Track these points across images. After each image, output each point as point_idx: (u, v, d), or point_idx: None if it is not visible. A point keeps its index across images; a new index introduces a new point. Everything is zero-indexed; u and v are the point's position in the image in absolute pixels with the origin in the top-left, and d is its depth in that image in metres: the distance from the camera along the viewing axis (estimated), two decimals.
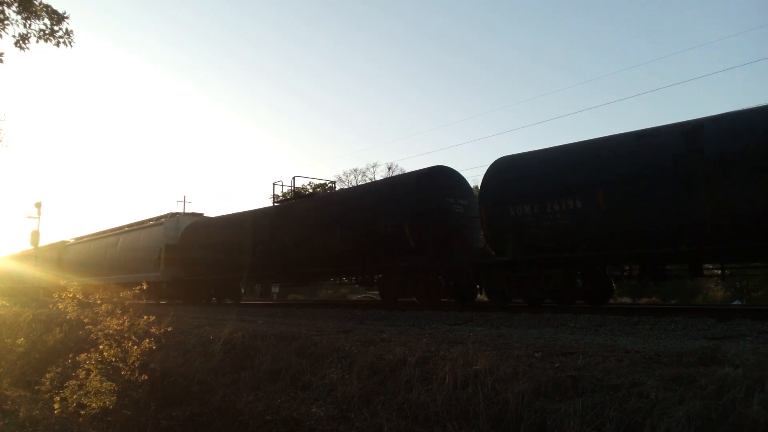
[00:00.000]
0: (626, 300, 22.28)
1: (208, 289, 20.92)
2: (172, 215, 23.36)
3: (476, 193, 13.12)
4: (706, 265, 10.24)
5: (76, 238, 32.28)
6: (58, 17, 8.77)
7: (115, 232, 27.47)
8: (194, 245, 20.51)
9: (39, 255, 31.85)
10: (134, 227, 25.55)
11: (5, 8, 8.64)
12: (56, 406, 6.90)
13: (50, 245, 33.52)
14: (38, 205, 32.03)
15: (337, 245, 14.19)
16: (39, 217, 31.70)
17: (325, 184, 18.15)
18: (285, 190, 18.04)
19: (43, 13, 8.68)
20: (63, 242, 32.81)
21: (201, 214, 24.92)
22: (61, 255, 31.81)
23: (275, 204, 18.18)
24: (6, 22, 8.66)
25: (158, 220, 23.62)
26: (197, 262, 20.02)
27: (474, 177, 43.11)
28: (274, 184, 19.09)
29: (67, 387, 6.89)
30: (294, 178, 17.98)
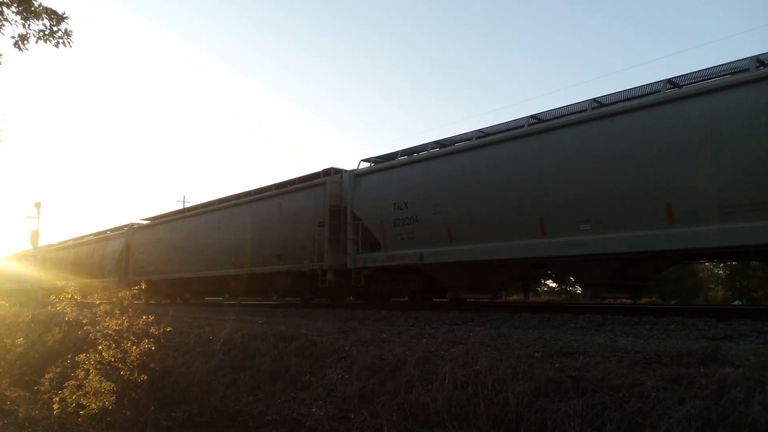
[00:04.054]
0: (626, 300, 22.22)
1: None
2: None
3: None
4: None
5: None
6: (57, 18, 8.69)
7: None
8: None
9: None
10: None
11: (4, 8, 8.58)
12: (55, 406, 6.89)
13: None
14: (38, 205, 31.96)
15: None
16: (38, 217, 31.62)
17: None
18: None
19: (43, 14, 8.61)
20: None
21: None
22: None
23: None
24: (4, 22, 8.60)
25: None
26: None
27: None
28: None
29: (66, 387, 6.87)
30: None
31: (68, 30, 8.87)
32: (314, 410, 5.70)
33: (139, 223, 25.19)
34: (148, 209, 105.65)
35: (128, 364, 6.83)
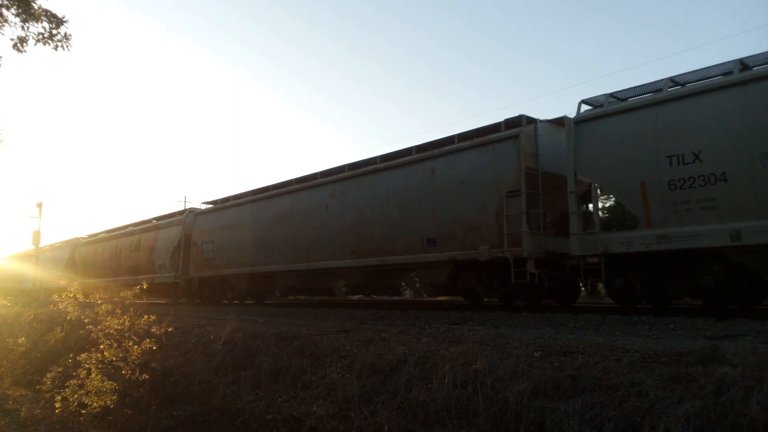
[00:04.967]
0: None
1: None
2: None
3: None
4: None
5: None
6: (57, 21, 8.64)
7: None
8: None
9: None
10: None
11: (4, 10, 8.55)
12: (57, 405, 6.91)
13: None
14: (39, 206, 32.06)
15: None
16: (40, 217, 31.69)
17: None
18: None
19: (42, 17, 8.57)
20: None
21: None
22: None
23: None
24: (4, 24, 8.56)
25: None
26: None
27: None
28: None
29: (68, 386, 6.90)
30: None
31: (67, 33, 8.81)
32: (315, 409, 5.72)
33: (199, 208, 21.32)
34: (148, 209, 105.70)
35: (130, 363, 6.86)
